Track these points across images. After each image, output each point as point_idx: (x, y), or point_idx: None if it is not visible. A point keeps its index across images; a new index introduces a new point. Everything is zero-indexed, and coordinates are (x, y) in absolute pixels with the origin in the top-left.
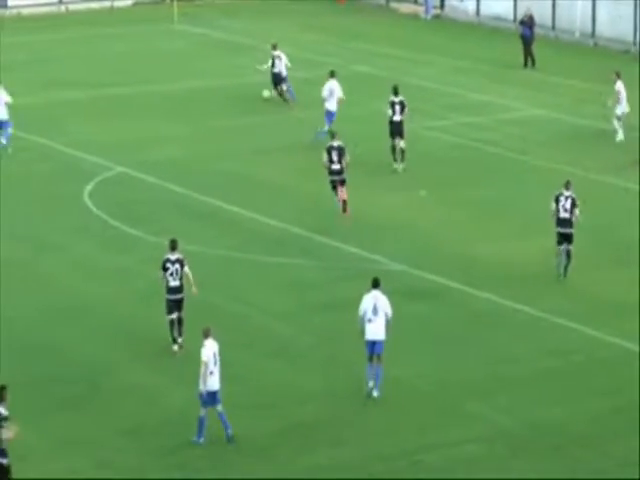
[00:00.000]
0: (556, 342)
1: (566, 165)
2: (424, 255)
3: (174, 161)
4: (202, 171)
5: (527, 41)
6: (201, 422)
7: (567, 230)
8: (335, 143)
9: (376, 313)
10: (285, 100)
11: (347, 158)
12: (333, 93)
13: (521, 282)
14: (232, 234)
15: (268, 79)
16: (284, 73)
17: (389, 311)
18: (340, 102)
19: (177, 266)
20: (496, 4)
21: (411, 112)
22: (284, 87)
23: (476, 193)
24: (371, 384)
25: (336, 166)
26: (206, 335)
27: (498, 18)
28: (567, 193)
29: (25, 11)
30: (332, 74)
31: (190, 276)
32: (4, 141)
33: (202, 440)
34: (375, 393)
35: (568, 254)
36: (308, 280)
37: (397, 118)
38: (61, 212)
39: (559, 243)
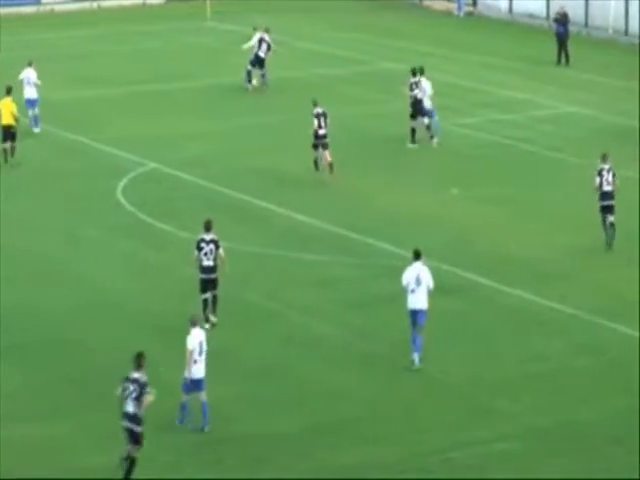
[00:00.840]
0: (588, 340)
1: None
2: (456, 252)
3: (206, 157)
4: (234, 167)
5: (561, 39)
6: (183, 407)
7: (610, 202)
8: (320, 109)
9: (419, 284)
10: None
11: (328, 122)
12: (426, 91)
13: (553, 279)
14: (264, 231)
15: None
16: (263, 57)
17: (431, 283)
18: (431, 98)
19: (211, 246)
20: (529, 2)
21: (443, 109)
22: (261, 72)
23: (508, 190)
24: (415, 357)
25: (322, 131)
26: (194, 324)
27: (531, 15)
28: (607, 166)
29: (58, 7)
30: (421, 71)
31: (224, 258)
32: (35, 123)
33: (184, 423)
34: (417, 362)
35: (612, 225)
36: (341, 277)
37: (420, 96)
38: (94, 208)
39: (603, 215)
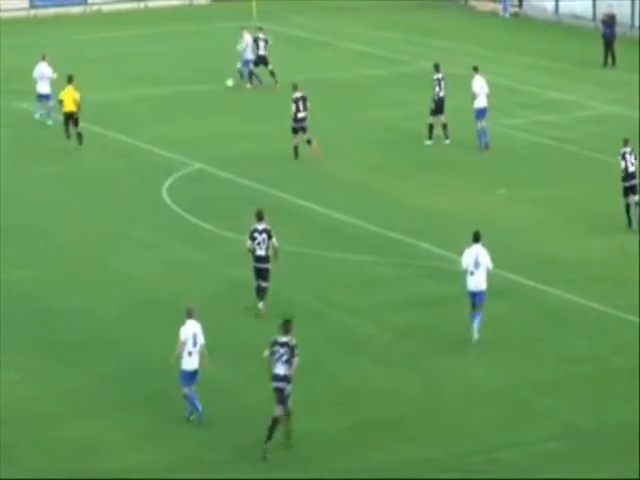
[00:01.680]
0: (631, 341)
1: None
2: (501, 253)
3: (251, 157)
4: (278, 168)
5: (608, 40)
6: (186, 399)
7: (633, 182)
8: (299, 94)
9: (477, 266)
10: (253, 83)
11: (308, 105)
12: (483, 89)
13: (597, 280)
14: (308, 231)
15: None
16: (265, 54)
17: (490, 264)
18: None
19: (264, 236)
20: (575, 3)
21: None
22: (268, 69)
23: (552, 191)
24: (475, 333)
25: (302, 114)
26: (189, 315)
27: (577, 16)
28: (629, 149)
29: (105, 8)
30: (476, 69)
31: (276, 248)
32: (45, 114)
33: (192, 416)
34: (476, 336)
35: (637, 204)
36: (384, 277)
37: (443, 94)
38: (140, 208)
39: (626, 196)
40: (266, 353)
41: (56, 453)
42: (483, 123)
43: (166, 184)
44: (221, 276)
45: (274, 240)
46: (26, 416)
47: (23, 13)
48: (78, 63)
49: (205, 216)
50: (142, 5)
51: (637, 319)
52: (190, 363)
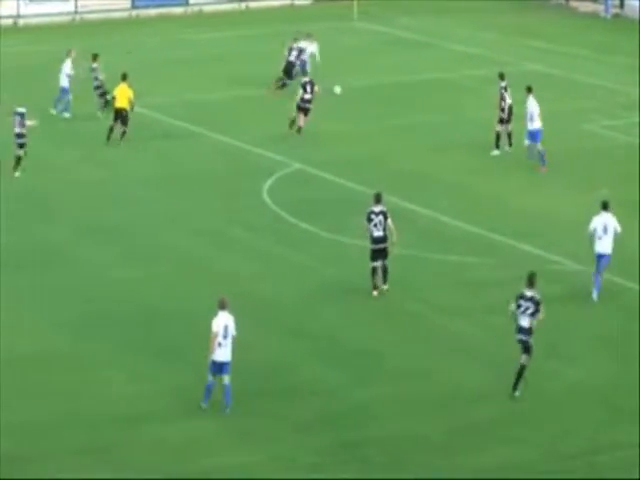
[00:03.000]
0: None
1: None
2: None
3: (351, 158)
4: (378, 168)
5: None
6: (208, 389)
7: None
8: (307, 79)
9: (606, 232)
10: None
11: (317, 89)
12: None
13: None
14: (408, 232)
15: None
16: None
17: (619, 228)
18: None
19: (380, 217)
20: None
21: (588, 111)
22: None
23: None
24: (594, 294)
25: (308, 95)
26: (222, 306)
27: None
28: None
29: (207, 8)
30: (530, 90)
31: (394, 230)
32: (64, 109)
33: (206, 405)
34: (595, 296)
35: None
36: (484, 279)
37: (510, 102)
38: (241, 208)
39: None
40: (512, 306)
41: (156, 453)
42: (540, 145)
43: (267, 184)
44: (318, 277)
45: (389, 221)
46: (130, 415)
47: (125, 14)
48: (178, 63)
49: (305, 217)
50: (243, 5)
51: None
52: (220, 354)
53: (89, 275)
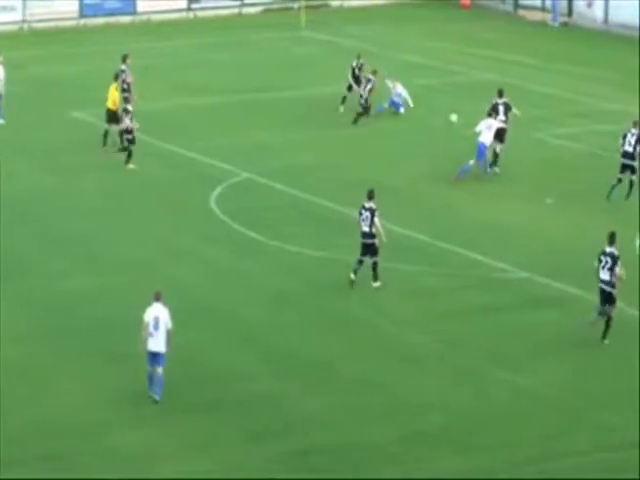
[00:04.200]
0: None
1: None
2: (550, 263)
3: (299, 167)
4: (327, 177)
5: None
6: (149, 377)
7: (629, 162)
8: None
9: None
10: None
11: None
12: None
13: None
14: (356, 240)
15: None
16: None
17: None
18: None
19: (368, 214)
20: (625, 11)
21: (538, 120)
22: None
23: (603, 201)
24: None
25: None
26: (156, 298)
27: (626, 26)
28: (634, 131)
29: (155, 17)
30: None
31: (379, 228)
32: None
33: (152, 393)
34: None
35: (631, 184)
36: (434, 287)
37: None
38: (188, 217)
39: (621, 172)
40: (595, 264)
41: (112, 461)
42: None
43: (214, 193)
44: (269, 285)
45: (376, 220)
46: (86, 424)
47: (73, 22)
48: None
49: (253, 225)
50: (191, 14)
51: None
52: (152, 344)
53: (44, 285)
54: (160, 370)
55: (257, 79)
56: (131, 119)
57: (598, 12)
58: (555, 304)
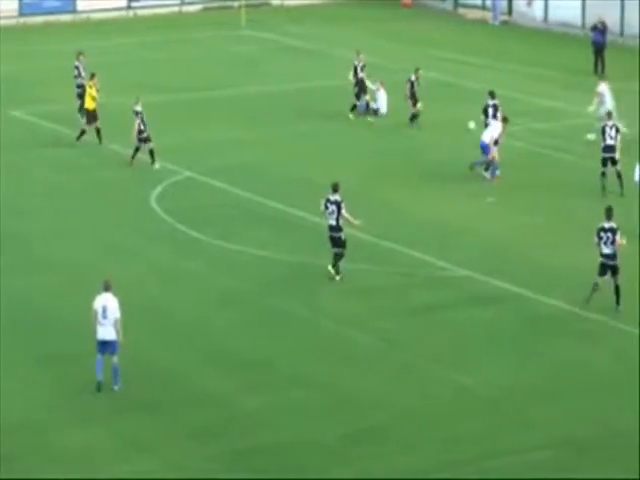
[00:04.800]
0: (623, 348)
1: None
2: (490, 261)
3: (241, 166)
4: (269, 176)
5: (599, 47)
6: (98, 363)
7: (612, 154)
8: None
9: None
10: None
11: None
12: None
13: (587, 289)
14: (299, 239)
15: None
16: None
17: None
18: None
19: (334, 207)
20: (564, 11)
21: (477, 118)
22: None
23: (544, 199)
24: None
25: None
26: (105, 288)
27: (566, 24)
28: (610, 122)
29: (94, 16)
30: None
31: (348, 217)
32: None
33: (100, 379)
34: None
35: (619, 175)
36: (377, 286)
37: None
38: (129, 216)
39: (604, 165)
40: (595, 239)
41: (52, 461)
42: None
43: (155, 192)
44: (212, 283)
45: (343, 211)
46: (28, 424)
47: (12, 21)
48: (67, 70)
49: (195, 224)
50: (131, 13)
51: (627, 326)
52: (101, 333)
53: None
54: (115, 359)
55: (198, 78)
56: (142, 119)
57: (538, 11)
58: (495, 302)
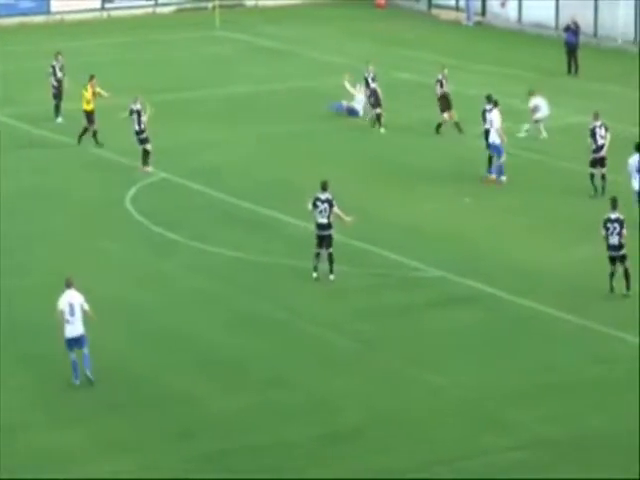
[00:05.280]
0: (599, 350)
1: (611, 173)
2: (465, 262)
3: (216, 167)
4: (244, 177)
5: (572, 48)
6: (73, 365)
7: (601, 154)
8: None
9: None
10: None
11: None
12: (493, 123)
13: (564, 290)
14: (274, 240)
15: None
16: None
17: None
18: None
19: (325, 205)
20: (538, 11)
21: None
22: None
23: (519, 201)
24: None
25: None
26: (67, 285)
27: (539, 25)
28: (598, 122)
29: (68, 17)
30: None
31: (340, 213)
32: None
33: (78, 381)
34: None
35: (604, 177)
36: (351, 287)
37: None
38: (103, 218)
39: (593, 166)
40: (602, 231)
41: (28, 462)
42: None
43: (130, 193)
44: (187, 285)
45: (335, 209)
46: (4, 426)
47: None
48: (41, 72)
49: (170, 225)
50: (105, 15)
51: (604, 328)
52: (70, 331)
53: None
54: (85, 350)
55: (172, 79)
56: (139, 119)
57: (512, 12)
58: (469, 302)
